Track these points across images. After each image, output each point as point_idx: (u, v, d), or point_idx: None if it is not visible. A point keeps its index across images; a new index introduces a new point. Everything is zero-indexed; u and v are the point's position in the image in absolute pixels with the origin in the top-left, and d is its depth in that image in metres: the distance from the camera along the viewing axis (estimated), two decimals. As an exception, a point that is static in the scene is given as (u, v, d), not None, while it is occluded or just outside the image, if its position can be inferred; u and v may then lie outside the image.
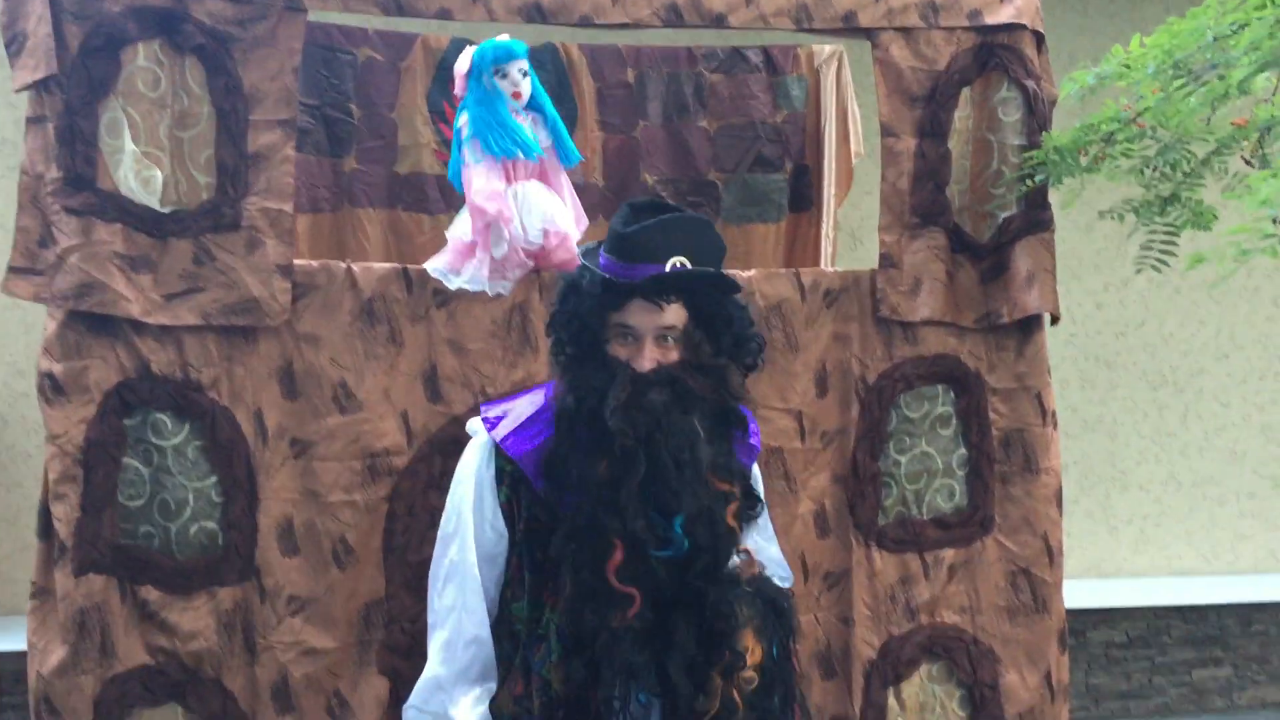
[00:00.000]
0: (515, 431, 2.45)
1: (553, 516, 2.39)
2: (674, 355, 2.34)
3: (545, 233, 3.19)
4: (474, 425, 2.69)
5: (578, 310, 2.40)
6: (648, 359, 2.31)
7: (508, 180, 3.19)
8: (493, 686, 2.50)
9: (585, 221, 3.38)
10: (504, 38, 3.19)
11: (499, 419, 2.54)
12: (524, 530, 2.46)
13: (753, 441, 2.67)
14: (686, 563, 2.27)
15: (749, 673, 2.30)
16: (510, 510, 2.49)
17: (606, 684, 2.27)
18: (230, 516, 3.09)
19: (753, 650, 2.31)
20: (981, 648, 3.51)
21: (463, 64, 3.21)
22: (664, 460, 2.24)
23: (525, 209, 3.19)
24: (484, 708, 2.47)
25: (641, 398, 2.26)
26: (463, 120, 3.20)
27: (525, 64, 3.18)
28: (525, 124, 3.19)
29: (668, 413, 2.25)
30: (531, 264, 3.23)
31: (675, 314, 2.33)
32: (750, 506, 2.44)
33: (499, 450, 2.47)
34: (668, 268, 2.27)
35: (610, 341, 2.39)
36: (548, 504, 2.41)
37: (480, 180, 3.14)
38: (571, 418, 2.35)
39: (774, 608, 2.44)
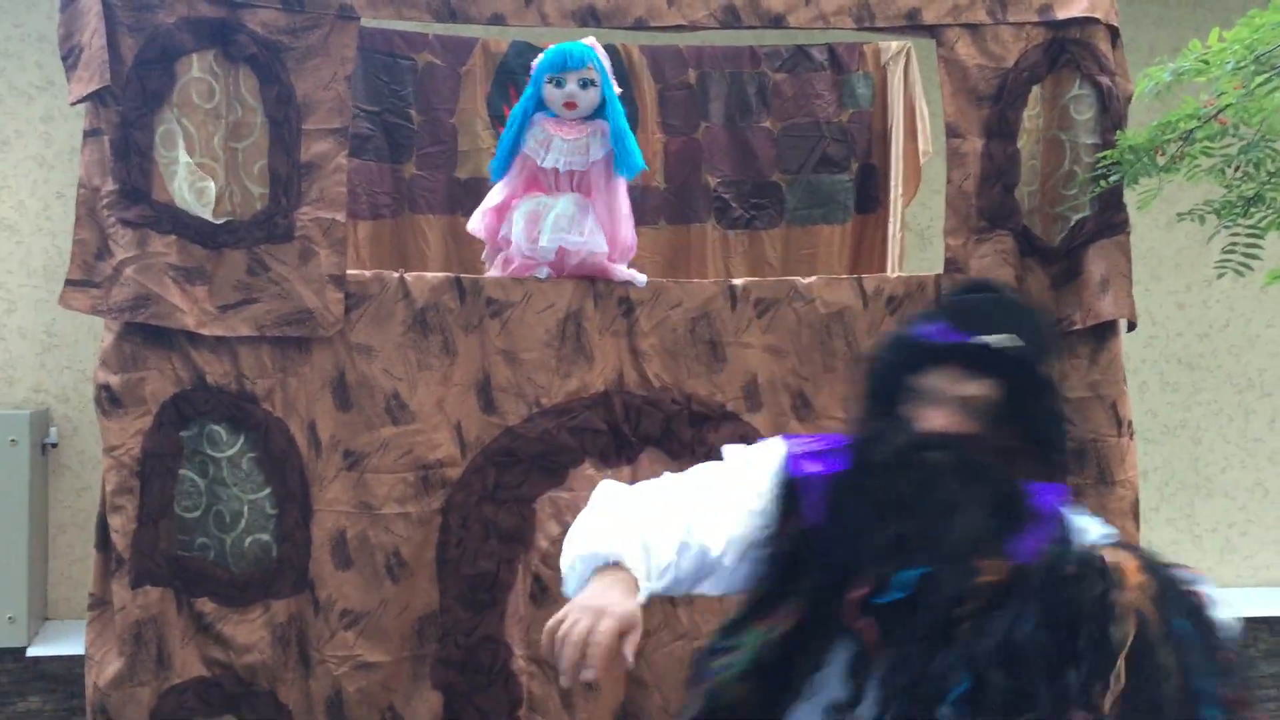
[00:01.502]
0: (807, 456, 2.30)
1: (802, 544, 2.21)
2: (971, 426, 2.14)
3: (561, 249, 3.19)
4: (775, 440, 2.49)
5: (883, 368, 2.25)
6: (943, 420, 2.13)
7: (543, 189, 3.23)
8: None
9: (632, 239, 3.35)
10: (589, 41, 3.18)
11: (800, 439, 2.38)
12: (769, 542, 2.27)
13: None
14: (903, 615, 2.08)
15: None
16: (768, 511, 2.21)
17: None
18: (284, 528, 3.09)
19: None
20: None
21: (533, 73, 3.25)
22: (925, 517, 2.04)
23: (543, 224, 3.20)
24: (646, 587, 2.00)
25: (921, 454, 2.08)
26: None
27: (590, 73, 3.16)
28: (570, 135, 3.19)
29: (942, 475, 2.06)
30: (548, 271, 3.25)
31: (984, 387, 2.13)
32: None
33: (788, 461, 2.31)
34: (993, 340, 2.13)
35: (905, 404, 2.20)
36: (803, 533, 2.17)
37: (485, 201, 3.31)
38: (855, 462, 2.20)
39: None
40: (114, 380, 3.01)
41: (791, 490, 2.16)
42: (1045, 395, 2.20)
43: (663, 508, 2.11)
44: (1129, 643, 1.90)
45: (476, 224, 3.37)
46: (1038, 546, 2.06)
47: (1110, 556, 2.01)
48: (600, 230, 3.23)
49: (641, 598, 1.92)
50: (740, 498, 2.17)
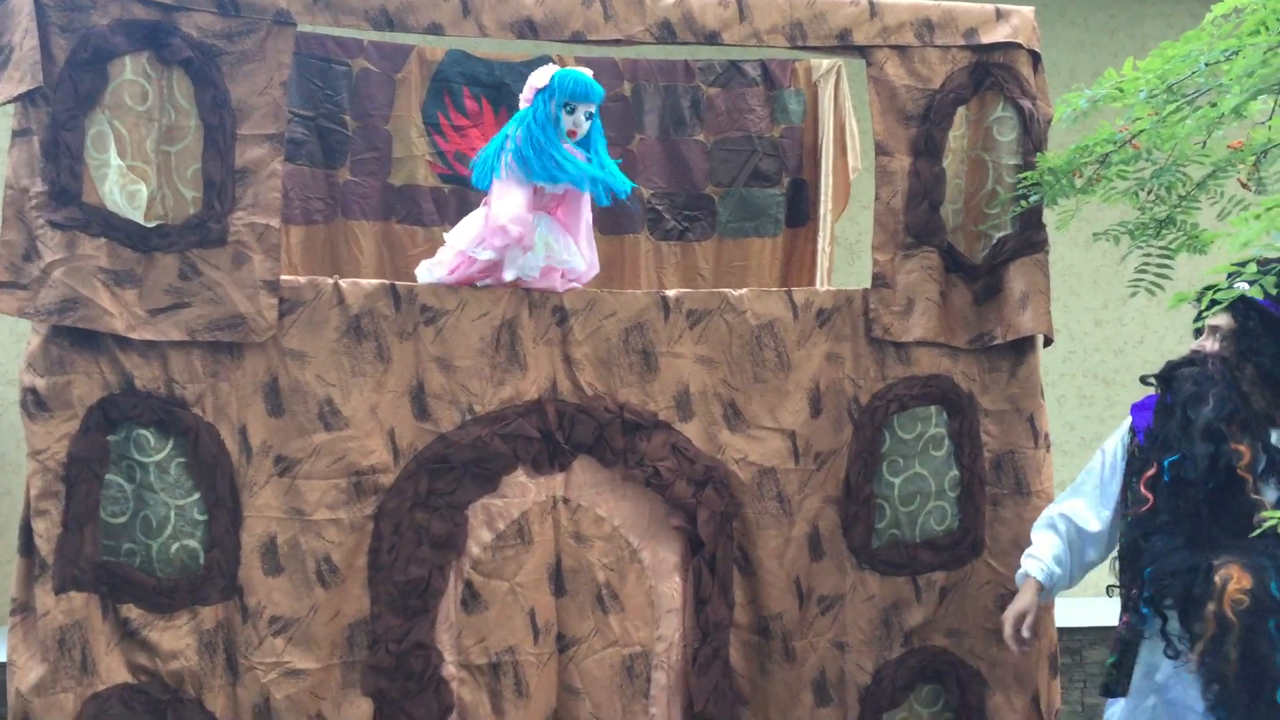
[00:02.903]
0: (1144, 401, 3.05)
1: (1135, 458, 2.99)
2: (1215, 349, 2.90)
3: (550, 269, 3.27)
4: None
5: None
6: (1199, 343, 2.98)
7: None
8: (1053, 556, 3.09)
9: (596, 264, 3.45)
10: (586, 72, 3.26)
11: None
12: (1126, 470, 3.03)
13: None
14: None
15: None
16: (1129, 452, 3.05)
17: None
18: (212, 535, 3.07)
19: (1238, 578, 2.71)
20: (969, 670, 3.48)
21: (540, 79, 3.26)
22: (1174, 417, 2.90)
23: (535, 242, 3.25)
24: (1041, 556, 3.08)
25: (1182, 368, 2.94)
26: (516, 135, 3.24)
27: (594, 108, 3.29)
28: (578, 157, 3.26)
29: (1191, 379, 2.88)
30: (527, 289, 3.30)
31: (1225, 319, 2.89)
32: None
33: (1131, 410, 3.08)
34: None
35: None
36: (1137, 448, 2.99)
37: (511, 201, 3.21)
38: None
39: None
40: (40, 383, 2.97)
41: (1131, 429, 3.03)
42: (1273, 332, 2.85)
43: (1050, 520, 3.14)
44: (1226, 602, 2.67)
45: (519, 230, 3.21)
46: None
47: None
48: (580, 253, 3.33)
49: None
50: (1096, 474, 3.09)
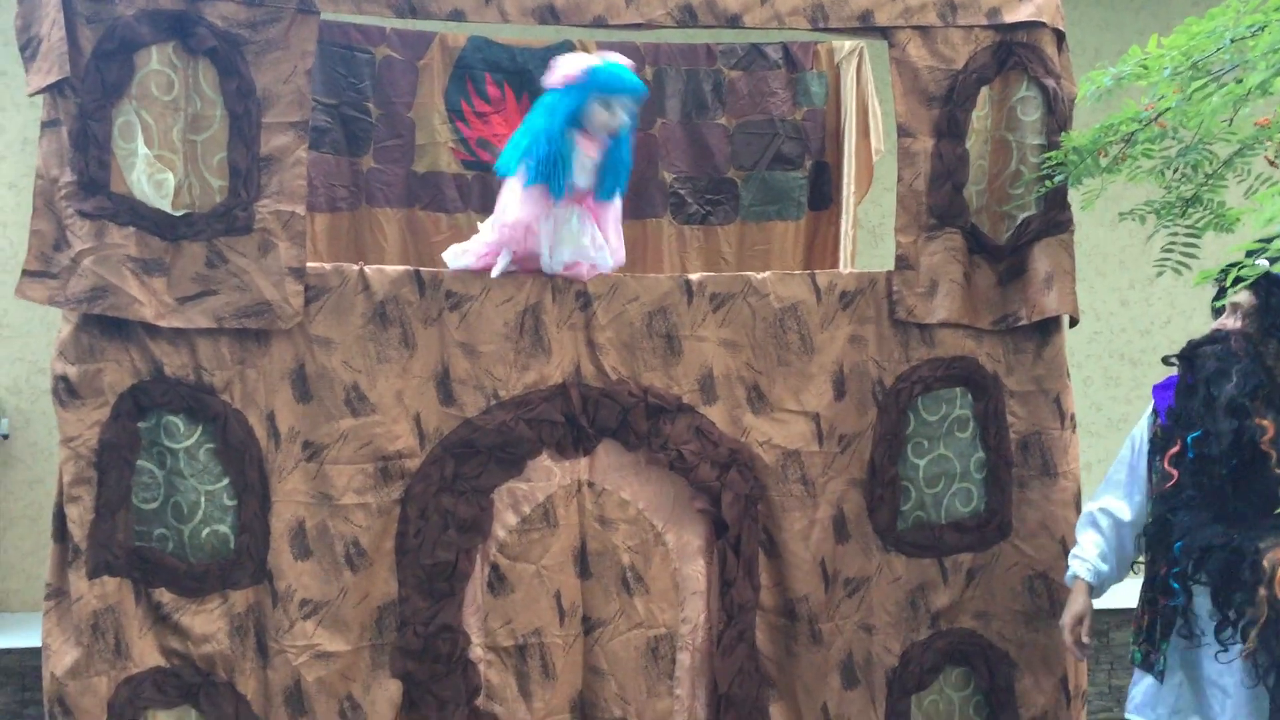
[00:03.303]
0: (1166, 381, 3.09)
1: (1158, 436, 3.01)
2: (1238, 326, 2.88)
3: (576, 264, 3.28)
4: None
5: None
6: (1222, 320, 2.93)
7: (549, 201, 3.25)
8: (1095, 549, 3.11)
9: (623, 253, 3.44)
10: (627, 64, 3.25)
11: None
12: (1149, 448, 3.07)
13: None
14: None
15: None
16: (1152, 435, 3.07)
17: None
18: (242, 519, 3.10)
19: None
20: (998, 653, 3.48)
21: (572, 67, 3.23)
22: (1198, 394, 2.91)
23: (559, 236, 3.26)
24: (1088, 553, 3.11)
25: (1204, 346, 2.94)
26: (537, 140, 3.22)
27: (634, 105, 3.27)
28: (593, 154, 3.27)
29: (1214, 356, 2.88)
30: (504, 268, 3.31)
31: (1246, 296, 2.85)
32: None
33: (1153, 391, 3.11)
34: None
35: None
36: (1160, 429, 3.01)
37: (509, 204, 3.24)
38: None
39: None
40: (71, 371, 3.01)
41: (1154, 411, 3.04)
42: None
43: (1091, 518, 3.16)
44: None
45: (507, 235, 3.26)
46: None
47: None
48: (606, 246, 3.34)
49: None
50: (1126, 463, 3.10)
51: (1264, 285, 2.81)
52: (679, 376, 3.36)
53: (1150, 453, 3.02)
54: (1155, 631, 2.90)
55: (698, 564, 3.38)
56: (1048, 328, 3.51)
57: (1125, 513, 3.08)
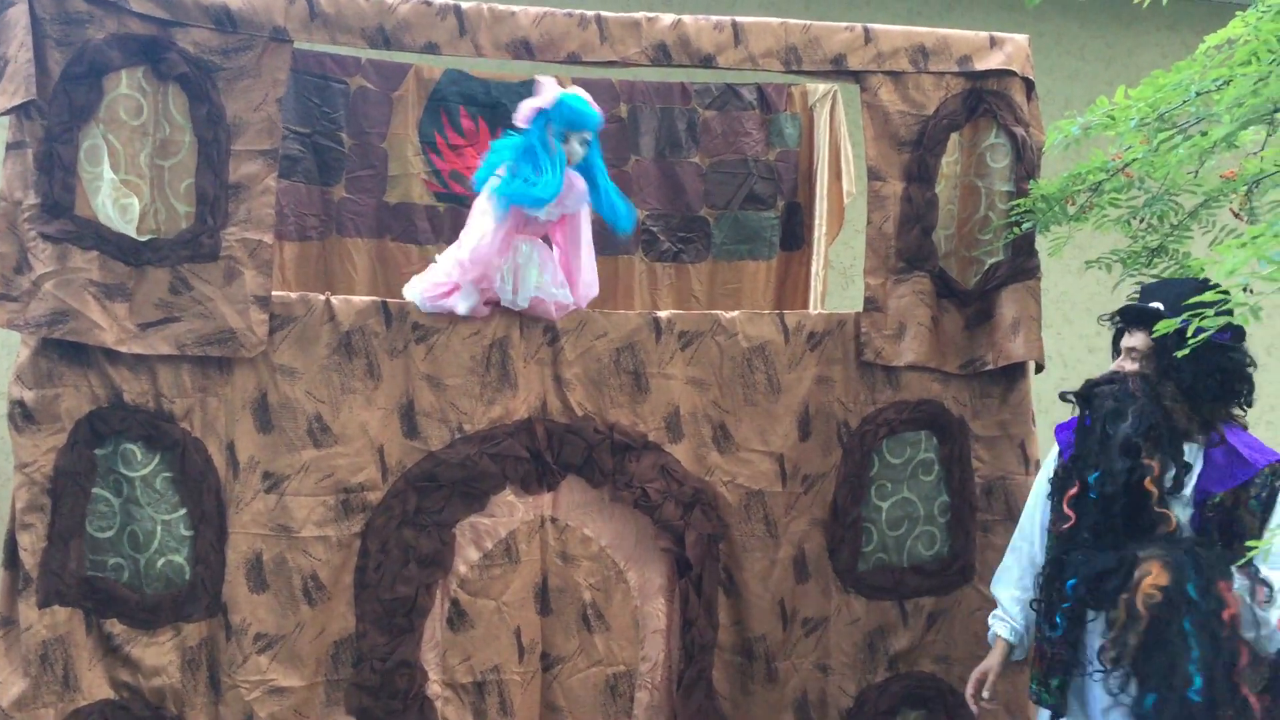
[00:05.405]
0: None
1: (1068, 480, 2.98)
2: (1134, 369, 2.91)
3: (539, 300, 3.25)
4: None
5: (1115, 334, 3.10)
6: (1119, 364, 2.97)
7: (518, 230, 3.23)
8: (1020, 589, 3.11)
9: (595, 287, 3.42)
10: (586, 96, 3.26)
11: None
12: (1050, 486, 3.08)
13: (1247, 455, 2.84)
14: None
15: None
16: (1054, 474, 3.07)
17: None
18: (198, 550, 3.06)
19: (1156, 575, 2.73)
20: (958, 698, 3.46)
21: (543, 99, 3.22)
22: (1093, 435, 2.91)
23: (523, 273, 3.23)
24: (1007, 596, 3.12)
25: (1101, 386, 2.95)
26: (501, 167, 3.22)
27: (590, 135, 3.29)
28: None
29: (1111, 396, 2.89)
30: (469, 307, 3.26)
31: (1139, 339, 2.89)
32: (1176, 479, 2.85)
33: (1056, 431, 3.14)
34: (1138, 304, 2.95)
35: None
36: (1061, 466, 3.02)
37: (477, 236, 3.19)
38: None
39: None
40: (28, 396, 2.97)
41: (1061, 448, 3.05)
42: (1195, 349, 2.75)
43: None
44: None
45: (477, 272, 3.22)
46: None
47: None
48: (566, 282, 3.32)
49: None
50: (1031, 509, 3.13)
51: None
52: (645, 414, 3.34)
53: (1051, 492, 3.03)
54: (1046, 668, 2.92)
55: (658, 602, 3.35)
56: (1014, 373, 3.53)
57: (1038, 558, 3.07)
